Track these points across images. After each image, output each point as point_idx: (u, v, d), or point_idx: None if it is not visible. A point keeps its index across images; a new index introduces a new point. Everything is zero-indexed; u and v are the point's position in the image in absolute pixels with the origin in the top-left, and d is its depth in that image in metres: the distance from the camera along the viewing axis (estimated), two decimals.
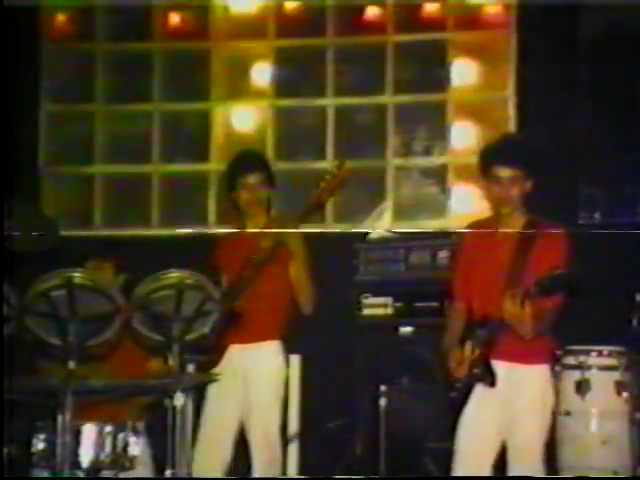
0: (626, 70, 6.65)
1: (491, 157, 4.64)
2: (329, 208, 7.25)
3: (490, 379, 4.54)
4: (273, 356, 5.25)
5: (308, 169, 7.32)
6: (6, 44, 6.83)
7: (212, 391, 5.19)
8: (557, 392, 5.80)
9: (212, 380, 4.99)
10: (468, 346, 4.57)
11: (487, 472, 4.60)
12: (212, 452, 5.21)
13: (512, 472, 4.58)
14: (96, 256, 5.67)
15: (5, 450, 4.58)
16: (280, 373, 5.27)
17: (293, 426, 6.33)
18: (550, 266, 4.40)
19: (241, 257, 5.17)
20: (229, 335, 5.05)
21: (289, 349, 5.89)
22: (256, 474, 5.16)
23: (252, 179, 5.30)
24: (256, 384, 5.18)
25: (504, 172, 4.56)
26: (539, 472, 4.60)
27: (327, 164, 7.22)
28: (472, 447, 4.61)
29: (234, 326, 5.01)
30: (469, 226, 4.90)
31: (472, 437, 4.62)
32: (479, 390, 4.59)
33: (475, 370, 4.56)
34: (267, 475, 5.17)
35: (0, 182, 6.33)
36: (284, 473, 6.22)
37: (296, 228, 5.18)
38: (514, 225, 4.64)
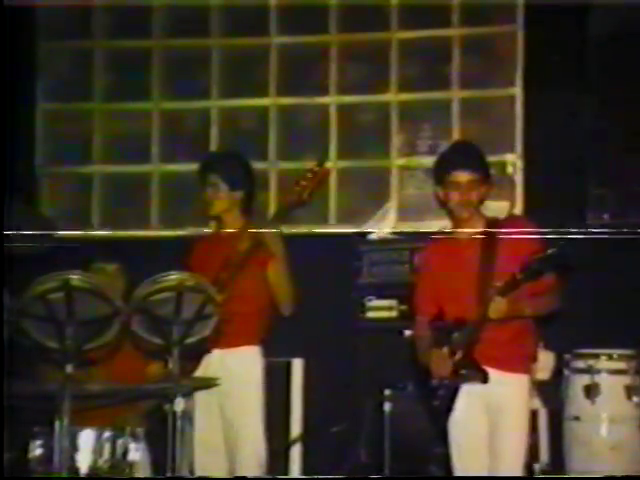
0: (635, 68, 6.61)
1: (448, 164, 4.76)
2: (332, 209, 7.19)
3: (482, 376, 4.54)
4: (252, 362, 5.15)
5: None
6: (3, 43, 6.76)
7: (198, 398, 5.06)
8: (566, 397, 5.79)
9: (212, 385, 4.89)
10: (445, 350, 4.59)
11: (486, 470, 4.57)
12: (209, 457, 5.13)
13: None
14: (100, 258, 5.61)
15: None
16: (258, 379, 5.14)
17: (296, 430, 6.29)
18: (520, 257, 4.44)
19: (217, 260, 5.04)
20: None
21: (292, 353, 5.82)
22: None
23: (212, 179, 5.24)
24: (235, 390, 5.06)
25: (463, 177, 4.67)
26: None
27: (330, 163, 7.16)
28: (467, 446, 4.62)
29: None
30: (428, 238, 4.95)
31: (465, 437, 4.62)
32: (464, 392, 4.58)
33: (462, 372, 4.58)
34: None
35: None
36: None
37: (276, 227, 5.12)
38: (476, 228, 4.73)
